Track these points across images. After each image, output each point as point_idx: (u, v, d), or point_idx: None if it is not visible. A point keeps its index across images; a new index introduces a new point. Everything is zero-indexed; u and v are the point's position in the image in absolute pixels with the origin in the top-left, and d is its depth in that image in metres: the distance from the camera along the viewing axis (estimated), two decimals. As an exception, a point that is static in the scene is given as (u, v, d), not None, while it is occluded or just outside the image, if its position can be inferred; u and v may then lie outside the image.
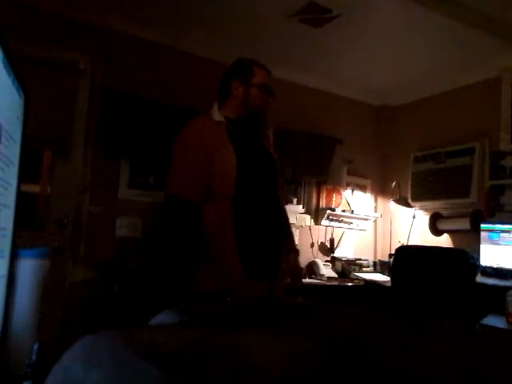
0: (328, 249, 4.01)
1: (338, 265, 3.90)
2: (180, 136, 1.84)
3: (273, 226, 1.90)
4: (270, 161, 1.98)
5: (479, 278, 2.87)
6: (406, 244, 3.92)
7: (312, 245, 3.99)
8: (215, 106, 1.93)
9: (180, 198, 1.77)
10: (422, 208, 3.99)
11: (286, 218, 2.12)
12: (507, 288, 2.57)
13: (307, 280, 3.56)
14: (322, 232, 4.06)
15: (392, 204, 4.11)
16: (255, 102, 1.89)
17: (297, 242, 3.88)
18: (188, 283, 1.78)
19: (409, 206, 3.98)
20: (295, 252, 2.11)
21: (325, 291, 3.44)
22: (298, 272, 2.12)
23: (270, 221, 1.89)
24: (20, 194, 1.41)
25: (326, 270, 3.74)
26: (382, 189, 4.48)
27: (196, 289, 1.74)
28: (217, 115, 1.90)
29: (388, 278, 3.53)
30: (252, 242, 1.81)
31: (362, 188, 4.39)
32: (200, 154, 1.76)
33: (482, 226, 3.31)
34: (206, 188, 1.77)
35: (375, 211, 4.43)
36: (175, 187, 1.81)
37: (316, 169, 3.99)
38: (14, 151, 1.30)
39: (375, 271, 4.04)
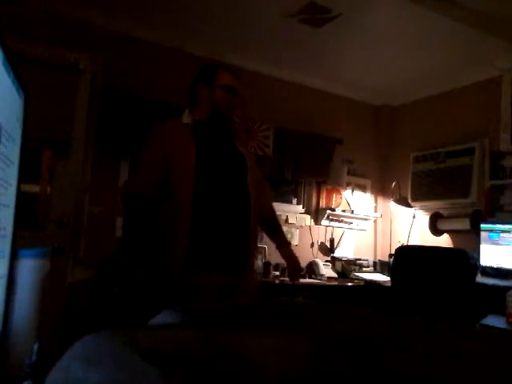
0: (328, 249, 4.01)
1: (338, 265, 3.90)
2: (145, 139, 1.92)
3: (238, 221, 1.89)
4: (239, 159, 1.99)
5: (479, 278, 2.86)
6: (406, 244, 3.92)
7: (312, 245, 3.99)
8: (186, 111, 2.00)
9: (132, 194, 1.86)
10: (421, 208, 3.99)
11: (270, 213, 2.18)
12: (507, 288, 2.58)
13: (307, 280, 3.57)
14: (322, 232, 4.06)
15: (392, 204, 4.11)
16: (220, 102, 1.95)
17: (297, 242, 3.91)
18: (128, 274, 1.89)
19: (409, 205, 3.98)
20: (286, 244, 2.17)
21: (325, 291, 3.44)
22: (294, 262, 2.14)
23: (234, 216, 1.88)
24: (20, 194, 1.41)
25: (326, 270, 3.74)
26: (381, 189, 4.48)
27: (131, 277, 1.84)
28: (186, 118, 1.97)
29: (388, 278, 3.53)
30: (211, 236, 1.82)
31: (362, 188, 4.39)
32: (158, 153, 1.84)
33: (482, 226, 3.31)
34: (163, 184, 1.82)
35: (375, 211, 4.43)
36: (129, 185, 1.98)
37: (316, 169, 3.99)
38: (13, 151, 1.30)
39: (375, 271, 4.04)
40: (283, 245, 2.15)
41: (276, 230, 2.19)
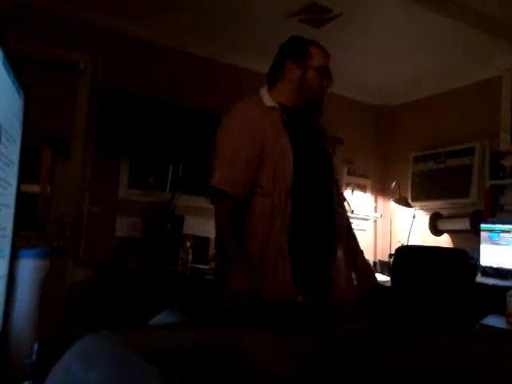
0: (328, 249, 4.01)
1: (338, 265, 3.89)
2: (225, 124, 1.60)
3: (328, 227, 1.64)
4: (326, 157, 1.71)
5: (479, 278, 2.87)
6: (406, 244, 3.92)
7: (312, 245, 3.99)
8: (264, 89, 1.68)
9: (225, 191, 1.52)
10: (422, 208, 3.99)
11: (346, 217, 1.87)
12: (507, 288, 2.57)
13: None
14: (322, 232, 4.06)
15: (392, 204, 4.11)
16: (313, 87, 1.64)
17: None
18: (222, 284, 1.58)
19: (409, 206, 3.98)
20: (359, 253, 1.88)
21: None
22: (367, 273, 1.92)
23: (325, 222, 1.63)
24: (20, 194, 1.41)
25: (326, 270, 3.73)
26: (382, 189, 4.48)
27: (230, 291, 1.51)
28: (268, 99, 1.64)
29: (388, 278, 3.53)
30: (306, 244, 1.57)
31: (362, 188, 4.38)
32: (249, 144, 1.54)
33: (482, 226, 3.31)
34: (254, 182, 1.55)
35: (375, 211, 4.43)
36: (220, 180, 1.54)
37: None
38: (13, 151, 1.30)
39: (375, 271, 4.03)
40: (357, 254, 1.87)
41: (350, 235, 1.85)
